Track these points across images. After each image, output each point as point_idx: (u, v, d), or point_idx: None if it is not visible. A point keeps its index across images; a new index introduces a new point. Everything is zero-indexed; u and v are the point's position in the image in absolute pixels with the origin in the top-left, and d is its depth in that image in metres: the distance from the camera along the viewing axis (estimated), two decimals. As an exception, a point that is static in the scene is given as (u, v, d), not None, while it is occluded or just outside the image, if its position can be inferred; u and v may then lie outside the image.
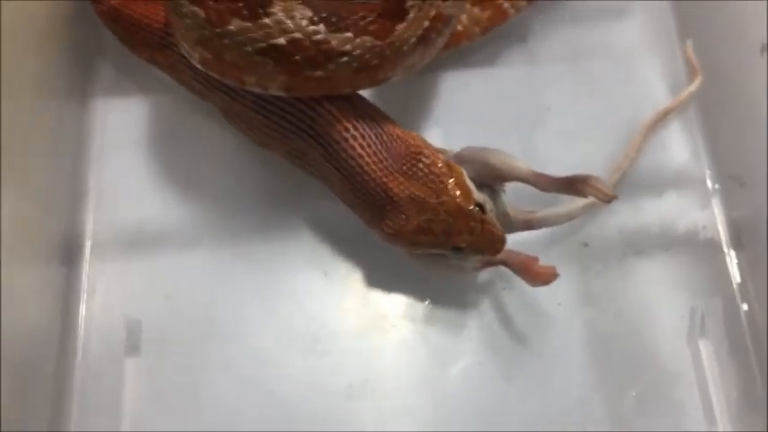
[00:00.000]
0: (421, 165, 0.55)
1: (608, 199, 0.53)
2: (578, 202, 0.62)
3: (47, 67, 0.64)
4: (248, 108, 0.58)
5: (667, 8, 0.72)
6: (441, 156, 0.56)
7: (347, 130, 0.55)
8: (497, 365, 0.62)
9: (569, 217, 0.62)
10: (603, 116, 0.68)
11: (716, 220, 0.66)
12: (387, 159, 0.55)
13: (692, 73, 0.68)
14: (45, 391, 0.59)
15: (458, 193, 0.54)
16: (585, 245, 0.65)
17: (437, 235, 0.54)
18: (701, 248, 0.65)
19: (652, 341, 0.63)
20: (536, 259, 0.57)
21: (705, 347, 0.62)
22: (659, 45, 0.71)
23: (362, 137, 0.55)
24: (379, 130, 0.56)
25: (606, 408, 0.61)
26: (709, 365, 0.62)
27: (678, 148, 0.68)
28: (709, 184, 0.67)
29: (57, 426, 0.59)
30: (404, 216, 0.55)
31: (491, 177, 0.57)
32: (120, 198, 0.66)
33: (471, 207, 0.54)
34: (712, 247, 0.65)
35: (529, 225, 0.60)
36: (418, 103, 0.69)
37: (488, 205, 0.56)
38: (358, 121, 0.56)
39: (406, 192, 0.54)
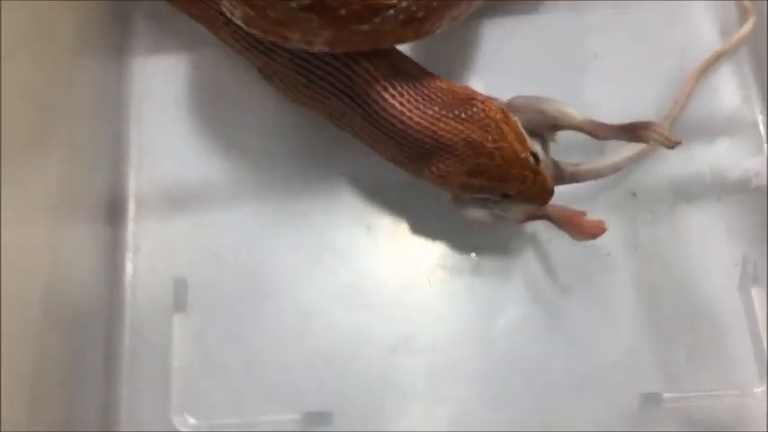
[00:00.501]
0: (476, 109, 0.53)
1: (671, 145, 0.52)
2: (624, 154, 0.61)
3: (83, 25, 0.63)
4: (286, 67, 0.57)
5: (717, -51, 0.69)
6: (494, 102, 0.54)
7: (385, 89, 0.54)
8: (544, 317, 0.61)
9: (615, 169, 0.61)
10: (652, 62, 0.66)
11: (768, 166, 0.64)
12: (432, 108, 0.54)
13: (743, 15, 0.66)
14: (96, 348, 0.60)
15: (514, 139, 0.53)
16: (634, 194, 0.64)
17: (490, 179, 0.54)
18: (753, 196, 0.63)
19: (703, 292, 0.62)
20: (582, 213, 0.56)
21: (758, 297, 0.61)
22: (709, -14, 0.69)
23: (401, 94, 0.54)
24: (420, 84, 0.55)
25: (655, 360, 0.60)
26: (761, 316, 0.60)
27: (729, 92, 0.66)
28: (761, 129, 0.65)
29: (108, 382, 0.60)
30: (458, 158, 0.54)
31: (544, 126, 0.55)
32: (161, 156, 0.65)
33: (526, 155, 0.53)
34: (765, 194, 0.63)
35: (575, 177, 0.59)
36: (459, 54, 0.67)
37: (541, 155, 0.55)
38: (396, 79, 0.55)
39: (461, 135, 0.53)
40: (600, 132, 0.54)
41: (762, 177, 0.64)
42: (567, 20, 0.68)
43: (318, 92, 0.57)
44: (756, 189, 0.64)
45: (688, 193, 0.64)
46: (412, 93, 0.54)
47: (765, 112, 0.65)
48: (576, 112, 0.55)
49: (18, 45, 0.52)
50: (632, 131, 0.53)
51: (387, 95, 0.54)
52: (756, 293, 0.61)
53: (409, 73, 0.56)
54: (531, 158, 0.53)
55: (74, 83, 0.61)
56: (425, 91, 0.55)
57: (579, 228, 0.56)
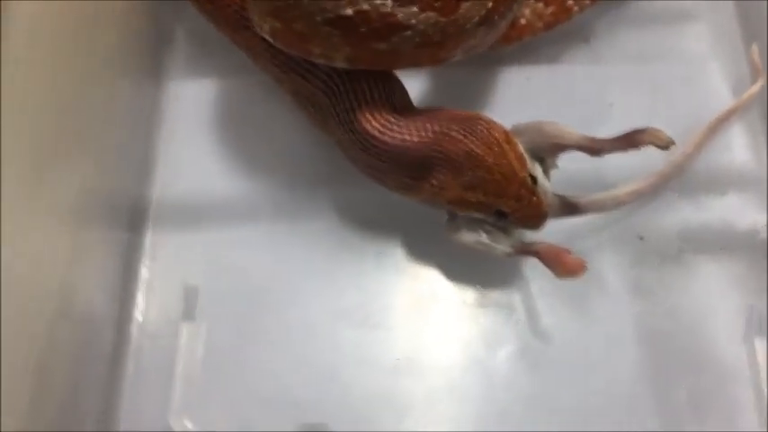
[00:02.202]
0: (480, 127, 0.55)
1: (665, 145, 0.53)
2: (627, 188, 0.62)
3: (124, 45, 0.67)
4: (318, 89, 0.60)
5: (732, 11, 0.72)
6: (498, 124, 0.57)
7: (385, 126, 0.57)
8: (545, 352, 0.62)
9: (617, 202, 0.62)
10: (666, 116, 0.66)
11: (776, 220, 0.65)
12: (436, 125, 0.56)
13: (755, 76, 0.68)
14: (103, 346, 0.61)
15: (514, 159, 0.55)
16: (641, 238, 0.65)
17: (486, 194, 0.55)
18: (759, 248, 0.64)
19: (707, 339, 0.62)
20: (567, 251, 0.57)
21: (761, 347, 0.61)
22: (723, 48, 0.71)
23: (400, 126, 0.57)
24: (424, 112, 0.58)
25: (655, 403, 0.60)
26: (765, 365, 0.60)
27: (740, 149, 0.68)
28: (770, 185, 0.67)
29: (112, 381, 0.61)
30: (457, 170, 0.55)
31: (545, 146, 0.57)
32: (185, 171, 0.68)
33: (524, 175, 0.55)
34: (770, 248, 0.64)
35: (575, 209, 0.60)
36: (479, 97, 0.70)
37: (539, 179, 0.56)
38: (396, 114, 0.57)
39: (465, 148, 0.55)
40: (598, 147, 0.56)
41: (769, 231, 0.65)
42: (585, 71, 0.71)
43: (345, 118, 0.59)
44: (763, 242, 0.64)
45: (696, 241, 0.65)
46: (414, 121, 0.57)
47: (774, 169, 0.67)
48: (573, 131, 0.56)
49: (58, 56, 0.55)
50: (628, 138, 0.54)
51: (386, 131, 0.57)
52: (759, 344, 0.61)
53: (411, 108, 0.59)
54: (529, 180, 0.55)
55: (110, 97, 0.64)
56: (429, 115, 0.58)
57: (562, 265, 0.56)
